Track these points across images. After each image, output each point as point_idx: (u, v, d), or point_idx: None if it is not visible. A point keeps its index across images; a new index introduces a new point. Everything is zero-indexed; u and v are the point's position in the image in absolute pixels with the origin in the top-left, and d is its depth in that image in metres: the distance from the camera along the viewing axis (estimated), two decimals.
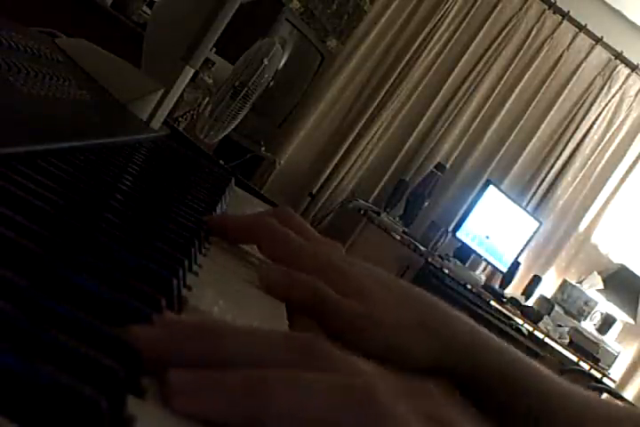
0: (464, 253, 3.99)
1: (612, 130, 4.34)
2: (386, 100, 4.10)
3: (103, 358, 0.22)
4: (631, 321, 4.09)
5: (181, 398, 0.25)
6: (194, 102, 2.20)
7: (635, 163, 4.37)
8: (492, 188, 3.97)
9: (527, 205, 4.27)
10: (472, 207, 3.97)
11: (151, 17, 1.07)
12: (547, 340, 3.81)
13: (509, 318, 3.78)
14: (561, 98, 4.25)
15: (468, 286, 3.76)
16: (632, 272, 4.13)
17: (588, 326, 4.07)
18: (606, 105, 4.31)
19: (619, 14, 4.22)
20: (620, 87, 4.31)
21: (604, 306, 4.10)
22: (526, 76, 4.20)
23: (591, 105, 4.29)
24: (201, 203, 0.58)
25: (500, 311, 3.78)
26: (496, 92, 4.19)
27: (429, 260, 3.72)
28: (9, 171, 0.35)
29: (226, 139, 2.34)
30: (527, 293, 4.10)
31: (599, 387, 3.52)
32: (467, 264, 3.99)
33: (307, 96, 3.79)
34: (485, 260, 4.10)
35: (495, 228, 4.04)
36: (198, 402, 0.25)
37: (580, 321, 4.07)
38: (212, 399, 0.26)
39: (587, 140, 4.31)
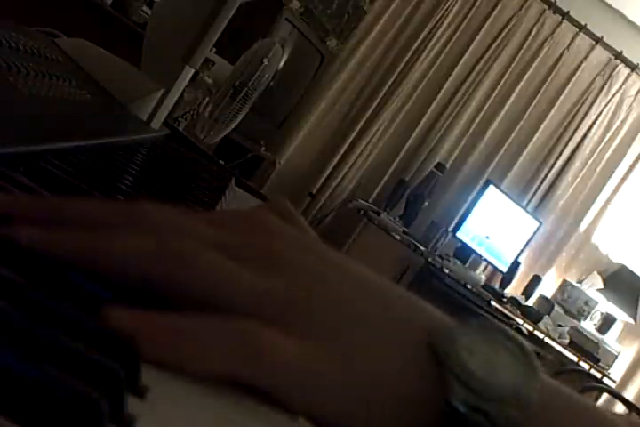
0: (464, 253, 3.98)
1: (612, 130, 4.34)
2: (386, 100, 4.10)
3: (103, 358, 0.22)
4: (631, 321, 4.09)
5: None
6: (194, 102, 2.21)
7: (635, 163, 4.36)
8: (492, 188, 3.97)
9: (527, 205, 4.27)
10: (472, 207, 3.97)
11: (151, 17, 1.07)
12: (547, 340, 3.81)
13: (509, 318, 3.78)
14: (561, 98, 4.24)
15: (468, 286, 3.76)
16: (632, 272, 4.12)
17: (588, 325, 4.07)
18: (606, 105, 4.31)
19: (619, 14, 4.22)
20: (620, 87, 4.31)
21: (604, 306, 4.10)
22: (526, 76, 4.20)
23: (591, 105, 4.28)
24: (201, 203, 0.58)
25: (500, 311, 3.78)
26: (496, 92, 4.19)
27: (429, 260, 3.72)
28: (9, 171, 0.35)
29: (226, 139, 2.34)
30: (527, 293, 4.09)
31: (599, 387, 3.52)
32: (467, 264, 3.99)
33: (307, 96, 3.79)
34: (485, 260, 4.10)
35: (495, 228, 4.04)
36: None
37: (580, 321, 4.07)
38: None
39: (587, 140, 4.31)
